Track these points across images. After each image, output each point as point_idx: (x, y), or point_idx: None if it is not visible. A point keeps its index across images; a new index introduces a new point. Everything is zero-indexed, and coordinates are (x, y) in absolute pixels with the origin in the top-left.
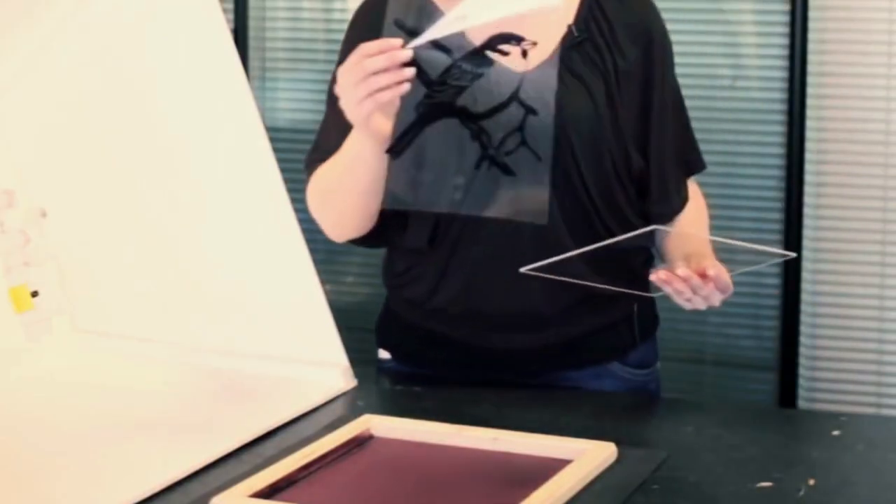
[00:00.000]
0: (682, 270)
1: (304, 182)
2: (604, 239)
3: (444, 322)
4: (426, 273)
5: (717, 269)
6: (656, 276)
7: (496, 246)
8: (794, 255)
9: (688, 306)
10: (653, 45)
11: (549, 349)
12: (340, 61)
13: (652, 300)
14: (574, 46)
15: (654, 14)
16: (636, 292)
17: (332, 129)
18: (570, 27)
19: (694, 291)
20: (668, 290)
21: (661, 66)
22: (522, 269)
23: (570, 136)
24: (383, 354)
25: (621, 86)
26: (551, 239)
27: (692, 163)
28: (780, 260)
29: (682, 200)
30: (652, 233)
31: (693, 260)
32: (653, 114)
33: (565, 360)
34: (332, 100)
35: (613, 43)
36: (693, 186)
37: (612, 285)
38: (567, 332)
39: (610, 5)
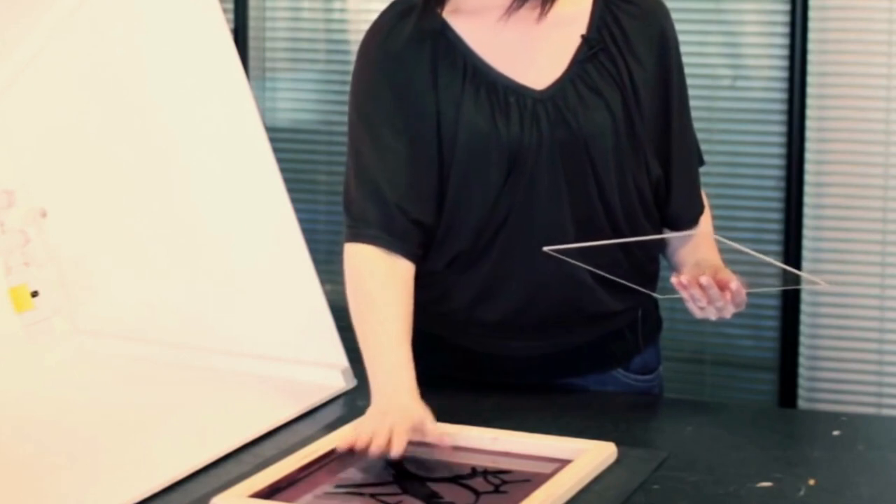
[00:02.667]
0: (705, 279)
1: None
2: (616, 256)
3: (448, 327)
4: (435, 283)
5: (737, 284)
6: (678, 280)
7: (507, 262)
8: (821, 284)
9: (699, 314)
10: (668, 48)
11: (551, 357)
12: (356, 90)
13: (656, 304)
14: (589, 58)
15: (664, 15)
16: (645, 290)
17: (366, 195)
18: (583, 38)
19: (710, 301)
20: (685, 294)
21: (677, 69)
22: (546, 249)
23: (590, 152)
24: None
25: (639, 93)
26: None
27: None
28: (804, 287)
29: (702, 203)
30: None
31: (705, 266)
32: (673, 119)
33: (568, 367)
34: (368, 139)
35: (628, 50)
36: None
37: (629, 299)
38: (570, 341)
39: (622, 11)
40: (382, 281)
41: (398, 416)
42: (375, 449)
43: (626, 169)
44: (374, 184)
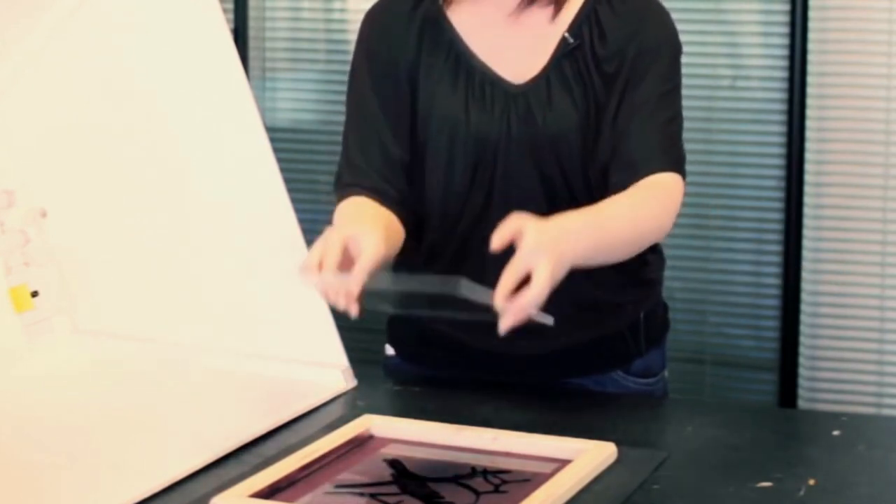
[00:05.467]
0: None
1: (335, 202)
2: None
3: (447, 324)
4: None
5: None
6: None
7: (491, 256)
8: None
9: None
10: (647, 41)
11: (550, 356)
12: (353, 70)
13: (664, 306)
14: (566, 55)
15: (654, 14)
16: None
17: (358, 147)
18: (564, 36)
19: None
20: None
21: (656, 53)
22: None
23: (557, 151)
24: (389, 351)
25: (612, 91)
26: None
27: (675, 159)
28: None
29: (669, 161)
30: (458, 282)
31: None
32: (623, 113)
33: (565, 367)
34: (354, 108)
35: (602, 47)
36: (672, 188)
37: (620, 293)
38: (569, 340)
39: (605, 12)
40: (357, 206)
41: (328, 232)
42: (302, 268)
43: (590, 168)
44: (354, 156)
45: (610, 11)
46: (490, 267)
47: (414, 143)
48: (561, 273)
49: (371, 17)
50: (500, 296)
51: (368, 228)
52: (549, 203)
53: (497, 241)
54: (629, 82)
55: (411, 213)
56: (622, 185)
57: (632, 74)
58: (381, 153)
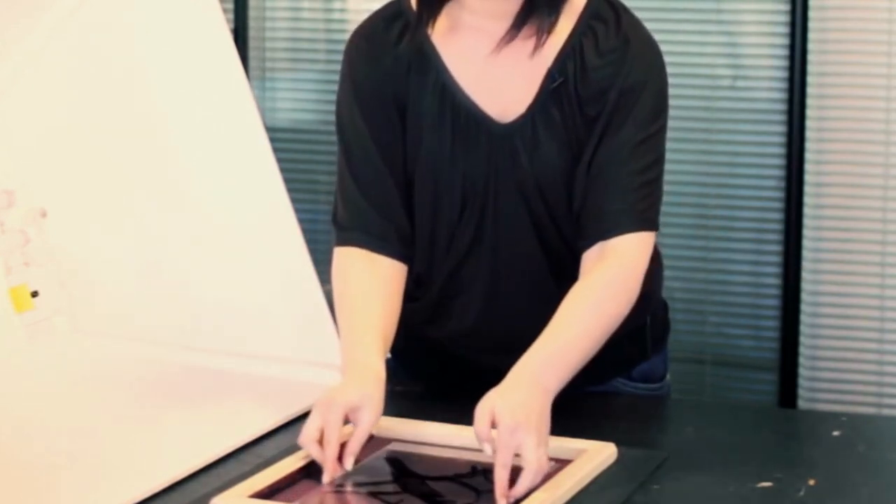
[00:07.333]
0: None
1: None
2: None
3: (444, 336)
4: (424, 301)
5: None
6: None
7: (474, 289)
8: None
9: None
10: (625, 91)
11: None
12: (340, 102)
13: (664, 307)
14: (551, 92)
15: (635, 60)
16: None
17: (354, 181)
18: (549, 71)
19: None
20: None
21: (629, 113)
22: None
23: (544, 189)
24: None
25: (592, 132)
26: (535, 277)
27: (645, 217)
28: None
29: (617, 227)
30: None
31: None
32: (598, 159)
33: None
34: (345, 140)
35: (584, 90)
36: (637, 254)
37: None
38: None
39: (589, 46)
40: (357, 277)
41: (331, 401)
42: (303, 439)
43: (575, 203)
44: (349, 188)
45: (594, 46)
46: (478, 300)
47: (405, 171)
48: (547, 428)
49: (356, 46)
50: (500, 495)
51: (370, 395)
52: (538, 234)
53: (483, 436)
54: (609, 126)
55: (411, 246)
56: (590, 244)
57: (612, 118)
58: (378, 184)
